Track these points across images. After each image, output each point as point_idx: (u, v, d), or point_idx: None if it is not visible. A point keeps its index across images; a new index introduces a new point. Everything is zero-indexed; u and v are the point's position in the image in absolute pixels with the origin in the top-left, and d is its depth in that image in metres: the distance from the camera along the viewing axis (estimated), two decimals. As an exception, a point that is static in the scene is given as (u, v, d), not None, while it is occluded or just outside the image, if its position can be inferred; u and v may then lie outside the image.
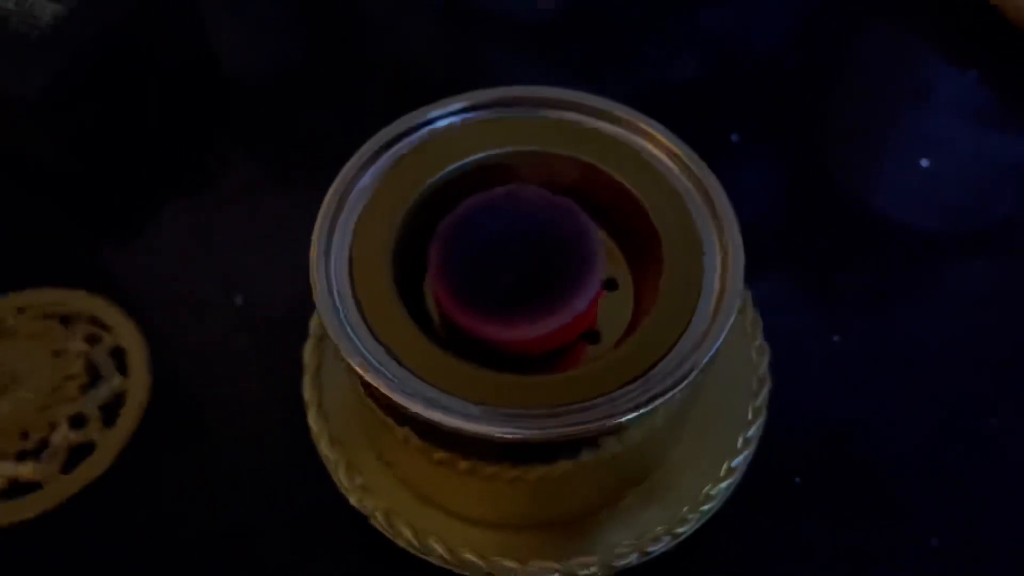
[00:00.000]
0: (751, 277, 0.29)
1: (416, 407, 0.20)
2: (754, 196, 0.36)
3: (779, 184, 0.37)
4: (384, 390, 0.21)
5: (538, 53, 0.43)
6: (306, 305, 0.29)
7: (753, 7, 0.43)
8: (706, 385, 0.26)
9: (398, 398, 0.21)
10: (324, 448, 0.26)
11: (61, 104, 0.34)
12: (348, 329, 0.22)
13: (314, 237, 0.23)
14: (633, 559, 0.24)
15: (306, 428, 0.27)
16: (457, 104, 0.25)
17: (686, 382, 0.21)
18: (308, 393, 0.27)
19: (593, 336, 0.24)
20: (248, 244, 0.34)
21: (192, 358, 0.31)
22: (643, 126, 0.25)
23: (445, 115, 0.25)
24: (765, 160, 0.37)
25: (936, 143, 0.38)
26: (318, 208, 0.24)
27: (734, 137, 0.37)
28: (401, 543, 0.25)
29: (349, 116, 0.39)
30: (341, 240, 0.23)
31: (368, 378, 0.21)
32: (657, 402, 0.21)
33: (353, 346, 0.22)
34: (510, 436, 0.20)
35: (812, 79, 0.40)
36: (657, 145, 0.24)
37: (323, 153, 0.38)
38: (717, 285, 0.22)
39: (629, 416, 0.21)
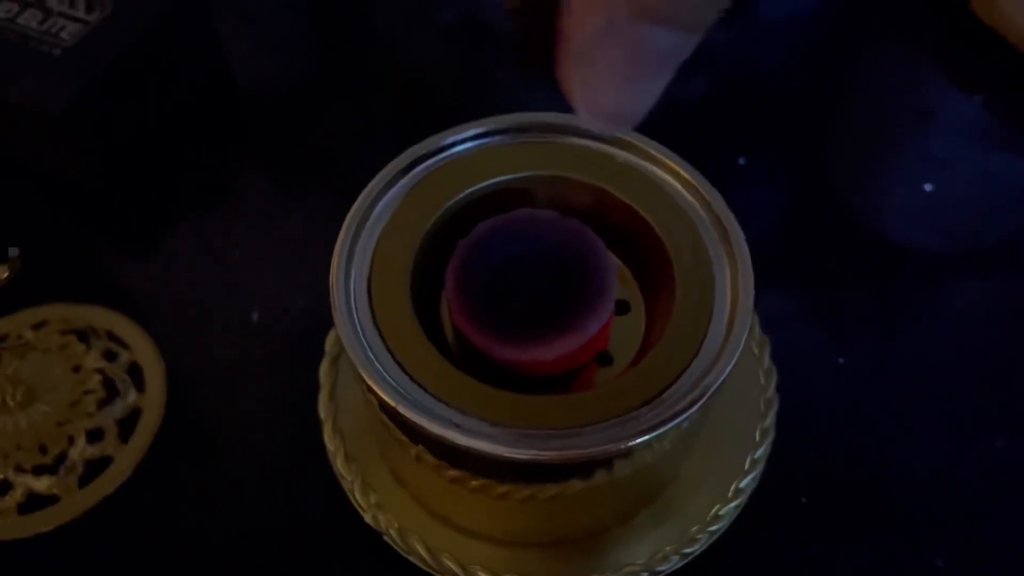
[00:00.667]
0: (758, 299, 0.30)
1: (431, 426, 0.21)
2: (760, 218, 0.36)
3: (785, 207, 0.37)
4: (400, 409, 0.21)
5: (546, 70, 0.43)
6: (322, 323, 0.30)
7: (761, 30, 0.44)
8: (715, 407, 0.26)
9: (414, 417, 0.21)
10: (339, 466, 0.27)
11: (83, 121, 0.34)
12: (366, 348, 0.22)
13: (334, 258, 0.23)
14: (643, 578, 0.25)
15: (321, 445, 0.27)
16: (474, 129, 0.26)
17: (697, 406, 0.21)
18: (323, 411, 0.28)
19: (605, 358, 0.25)
20: (264, 261, 0.35)
21: (207, 375, 0.32)
22: (654, 152, 0.25)
23: (463, 140, 0.26)
24: (772, 182, 0.38)
25: (941, 165, 0.38)
26: (333, 225, 0.24)
27: (741, 160, 0.38)
28: (414, 560, 0.25)
29: (364, 133, 0.40)
30: (360, 261, 0.24)
31: (384, 396, 0.21)
32: (669, 426, 0.21)
33: (371, 365, 0.22)
34: (523, 457, 0.21)
35: (818, 101, 0.41)
36: (668, 171, 0.25)
37: (337, 170, 0.39)
38: (728, 309, 0.23)
39: (641, 439, 0.21)
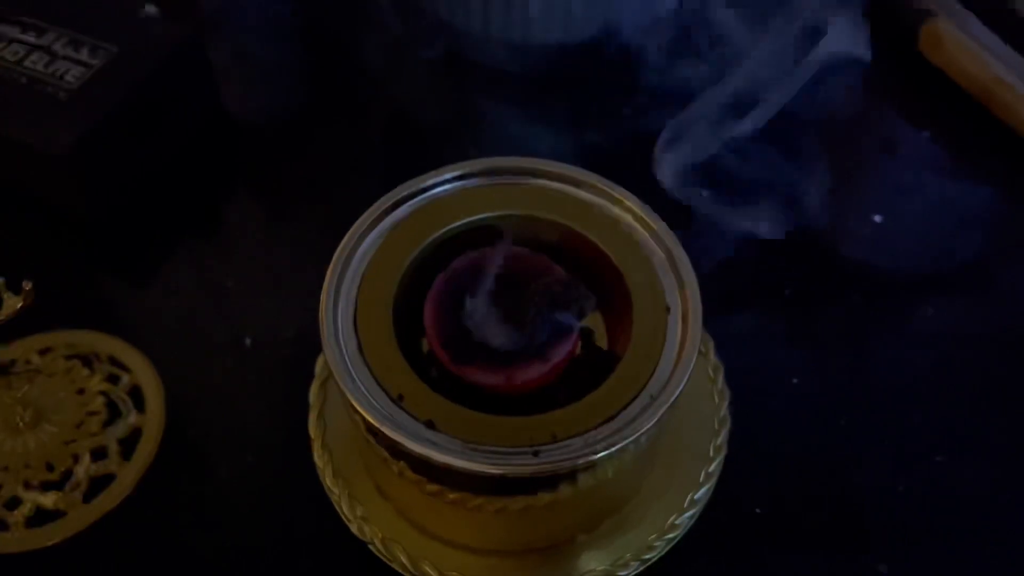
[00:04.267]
0: (716, 323, 0.32)
1: (410, 444, 0.23)
2: (718, 245, 0.39)
3: (743, 235, 0.40)
4: (382, 428, 0.23)
5: (525, 104, 0.46)
6: (311, 347, 0.32)
7: (726, 66, 0.46)
8: (672, 425, 0.29)
9: (395, 436, 0.23)
10: (328, 481, 0.29)
11: (86, 161, 0.36)
12: (352, 374, 0.25)
13: (323, 291, 0.26)
14: (605, 582, 0.27)
15: (310, 462, 0.30)
16: (452, 172, 0.28)
17: (651, 423, 0.24)
18: (313, 430, 0.30)
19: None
20: (257, 289, 0.37)
21: (204, 396, 0.34)
22: (615, 194, 0.28)
23: (442, 182, 0.28)
24: (731, 212, 0.41)
25: (891, 194, 0.41)
26: (322, 254, 0.27)
27: (703, 192, 0.40)
28: (397, 567, 0.27)
29: (352, 165, 0.42)
30: (347, 294, 0.26)
31: (368, 417, 0.24)
32: (625, 442, 0.23)
33: (356, 388, 0.24)
34: (494, 472, 0.23)
35: (777, 135, 0.44)
36: (628, 211, 0.28)
37: (327, 201, 0.41)
38: (679, 337, 0.25)
39: (601, 454, 0.23)
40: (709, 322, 0.30)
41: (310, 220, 0.40)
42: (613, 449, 0.23)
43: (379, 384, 0.24)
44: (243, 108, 0.45)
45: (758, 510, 0.31)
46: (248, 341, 0.35)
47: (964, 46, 0.43)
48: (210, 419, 0.33)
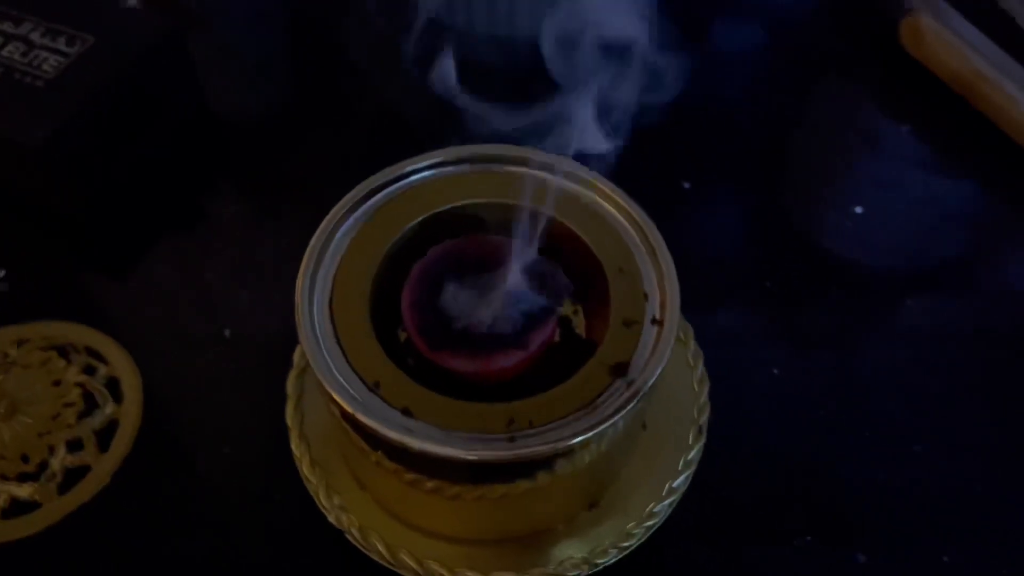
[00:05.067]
0: (699, 313, 0.32)
1: (387, 432, 0.23)
2: (701, 239, 0.39)
3: (726, 228, 0.40)
4: (358, 416, 0.23)
5: (509, 99, 0.46)
6: (289, 338, 0.32)
7: (708, 64, 0.47)
8: (651, 413, 0.29)
9: (371, 423, 0.23)
10: (305, 471, 0.29)
11: (63, 151, 0.36)
12: (329, 362, 0.24)
13: (299, 279, 0.25)
14: (584, 571, 0.27)
15: (289, 452, 0.29)
16: (430, 160, 0.28)
17: (627, 409, 0.24)
18: (290, 420, 0.30)
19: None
20: (236, 281, 0.37)
21: (183, 388, 0.33)
22: (594, 181, 0.28)
23: (420, 169, 0.28)
24: (714, 206, 0.41)
25: (872, 188, 0.41)
26: (303, 248, 0.26)
27: (686, 184, 0.40)
28: (374, 556, 0.27)
29: (334, 160, 0.42)
30: (323, 282, 0.26)
31: (344, 405, 0.24)
32: (602, 427, 0.23)
33: (333, 377, 0.24)
34: (471, 458, 0.23)
35: (762, 130, 0.44)
36: (607, 199, 0.28)
37: (308, 196, 0.41)
38: (656, 325, 0.25)
39: (578, 439, 0.23)
40: (690, 313, 0.30)
41: (293, 214, 0.40)
42: (590, 435, 0.23)
43: (355, 371, 0.24)
44: (227, 102, 0.44)
45: (734, 498, 0.31)
46: (228, 333, 0.35)
47: (944, 40, 0.43)
48: (188, 410, 0.33)
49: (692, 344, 0.31)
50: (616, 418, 0.24)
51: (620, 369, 0.25)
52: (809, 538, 0.30)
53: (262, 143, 0.43)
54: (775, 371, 0.34)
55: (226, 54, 0.47)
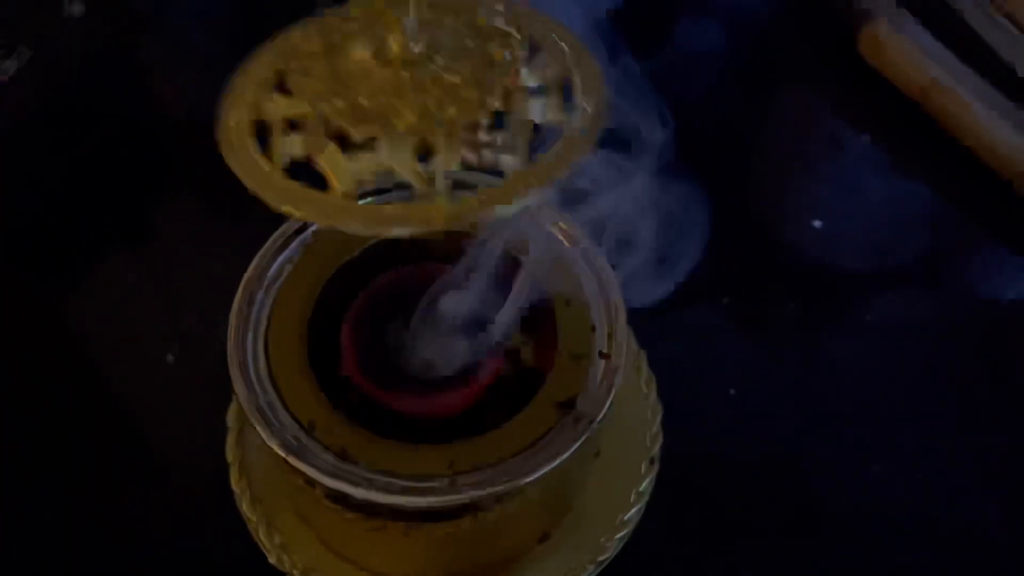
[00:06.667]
0: (653, 336, 0.32)
1: (319, 476, 0.22)
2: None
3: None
4: (289, 459, 0.22)
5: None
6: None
7: (665, 71, 0.46)
8: (606, 438, 0.28)
9: (305, 469, 0.22)
10: (245, 508, 0.28)
11: (13, 155, 0.34)
12: (260, 400, 0.23)
13: (232, 316, 0.24)
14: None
15: (229, 487, 0.28)
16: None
17: (573, 448, 0.23)
18: (231, 454, 0.29)
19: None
20: (183, 299, 0.35)
21: (120, 417, 0.32)
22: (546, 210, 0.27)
23: (368, 192, 0.27)
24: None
25: (831, 193, 0.41)
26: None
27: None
28: (318, 599, 0.26)
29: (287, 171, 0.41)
30: (258, 318, 0.25)
31: (276, 448, 0.23)
32: (549, 467, 0.23)
33: (265, 416, 0.23)
34: (408, 506, 0.22)
35: (724, 138, 0.43)
36: (558, 229, 0.27)
37: (260, 212, 0.39)
38: (604, 359, 0.25)
39: (523, 481, 0.23)
40: (649, 324, 0.29)
41: (243, 226, 0.38)
42: (534, 476, 0.23)
43: (290, 414, 0.23)
44: (177, 105, 0.43)
45: (691, 526, 0.30)
46: (170, 358, 0.34)
47: (903, 49, 0.43)
48: (126, 439, 0.32)
49: (645, 370, 0.30)
50: (562, 458, 0.23)
51: (568, 405, 0.24)
52: (780, 539, 0.30)
53: (213, 151, 0.41)
54: (732, 391, 0.34)
55: (177, 55, 0.45)
